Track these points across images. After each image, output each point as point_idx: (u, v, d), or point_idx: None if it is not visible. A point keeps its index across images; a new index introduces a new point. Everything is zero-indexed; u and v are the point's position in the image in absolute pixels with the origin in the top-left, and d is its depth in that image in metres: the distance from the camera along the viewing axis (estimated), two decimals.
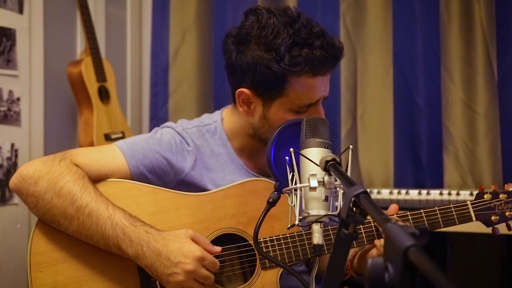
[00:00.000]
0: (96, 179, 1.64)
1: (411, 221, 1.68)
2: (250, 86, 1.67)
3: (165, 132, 1.77)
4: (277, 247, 1.63)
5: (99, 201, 1.56)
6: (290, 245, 1.64)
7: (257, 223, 1.44)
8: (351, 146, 1.31)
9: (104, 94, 2.99)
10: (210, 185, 1.74)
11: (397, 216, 1.66)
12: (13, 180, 1.60)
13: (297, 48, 1.60)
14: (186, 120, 1.85)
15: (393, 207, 1.67)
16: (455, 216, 1.68)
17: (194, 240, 1.55)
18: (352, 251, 1.74)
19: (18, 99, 2.68)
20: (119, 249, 1.54)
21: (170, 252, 1.50)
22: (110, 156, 1.68)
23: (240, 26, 1.69)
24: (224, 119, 1.83)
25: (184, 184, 1.73)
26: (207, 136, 1.79)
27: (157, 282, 1.58)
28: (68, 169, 1.58)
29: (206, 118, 1.85)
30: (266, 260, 1.63)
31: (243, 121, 1.77)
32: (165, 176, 1.72)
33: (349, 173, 1.22)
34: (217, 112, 1.87)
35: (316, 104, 1.69)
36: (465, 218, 1.69)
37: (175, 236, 1.54)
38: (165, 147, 1.72)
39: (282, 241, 1.64)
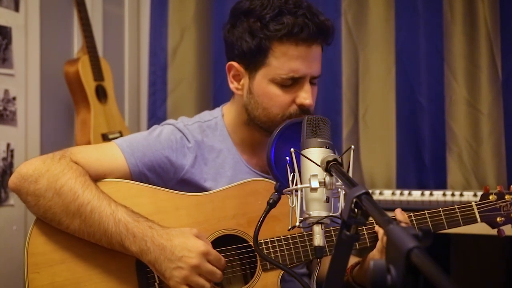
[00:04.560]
0: (95, 178, 1.63)
1: (414, 222, 1.66)
2: (238, 58, 1.73)
3: (165, 129, 1.76)
4: (278, 249, 1.63)
5: (101, 198, 1.55)
6: (291, 246, 1.63)
7: (257, 225, 1.43)
8: (352, 146, 1.29)
9: (101, 93, 2.97)
10: (210, 181, 1.73)
11: None
12: (12, 179, 1.59)
13: (281, 16, 1.65)
14: (186, 117, 1.86)
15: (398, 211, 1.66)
16: (459, 217, 1.68)
17: (198, 238, 1.54)
18: (355, 261, 1.71)
19: (14, 98, 2.66)
20: (122, 246, 1.53)
21: (174, 247, 1.49)
22: (110, 154, 1.68)
23: (235, 4, 1.76)
24: (225, 114, 1.84)
25: (185, 181, 1.73)
26: (208, 132, 1.79)
27: (156, 284, 1.56)
28: (69, 167, 1.58)
29: (207, 114, 1.86)
30: (267, 262, 1.61)
31: (239, 108, 1.78)
32: (165, 174, 1.71)
33: (350, 174, 1.20)
34: (218, 109, 1.88)
35: (302, 82, 1.69)
36: (469, 219, 1.68)
37: (180, 231, 1.53)
38: (165, 145, 1.72)
39: (283, 243, 1.63)
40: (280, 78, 1.67)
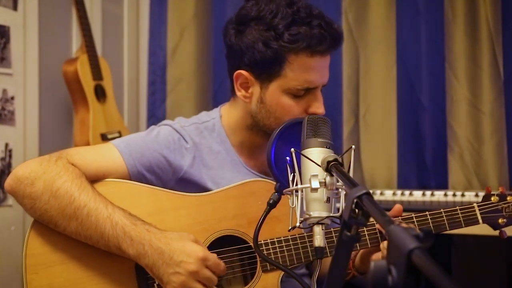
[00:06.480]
0: (93, 179, 1.61)
1: (416, 223, 1.66)
2: (248, 67, 1.68)
3: (162, 130, 1.75)
4: (278, 250, 1.62)
5: (97, 201, 1.53)
6: (292, 247, 1.62)
7: (257, 225, 1.42)
8: (353, 146, 1.28)
9: (100, 93, 2.96)
10: (209, 183, 1.72)
11: (401, 218, 1.63)
12: (8, 182, 1.58)
13: (296, 26, 1.61)
14: (183, 118, 1.84)
15: (397, 208, 1.64)
16: (461, 219, 1.67)
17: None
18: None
19: (12, 98, 2.65)
20: (119, 249, 1.51)
21: (173, 251, 1.48)
22: (108, 155, 1.66)
23: (240, 9, 1.71)
24: (223, 115, 1.81)
25: (183, 182, 1.71)
26: (206, 134, 1.77)
27: (155, 285, 1.55)
28: (65, 169, 1.56)
29: (204, 115, 1.84)
30: (267, 263, 1.60)
31: (242, 112, 1.75)
32: (164, 175, 1.70)
33: (351, 174, 1.19)
34: (215, 109, 1.85)
35: (315, 91, 1.68)
36: (471, 221, 1.68)
37: (178, 235, 1.52)
38: (163, 145, 1.70)
39: (284, 243, 1.62)
40: (295, 89, 1.65)
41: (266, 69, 1.65)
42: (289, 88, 1.65)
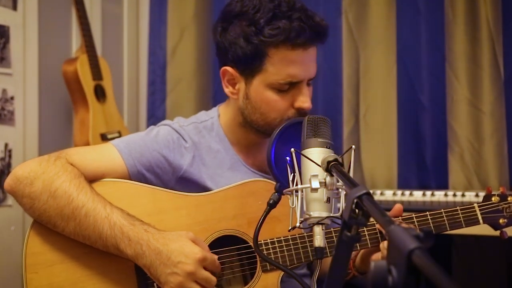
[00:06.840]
0: (92, 179, 1.61)
1: (416, 223, 1.66)
2: (233, 63, 1.70)
3: (161, 129, 1.75)
4: (278, 249, 1.62)
5: (96, 201, 1.53)
6: (292, 247, 1.62)
7: (257, 225, 1.42)
8: (353, 146, 1.28)
9: (100, 93, 2.96)
10: (209, 181, 1.72)
11: (401, 219, 1.63)
12: (8, 181, 1.58)
13: (276, 20, 1.63)
14: (182, 117, 1.84)
15: (397, 208, 1.64)
16: (461, 219, 1.67)
17: (195, 243, 1.52)
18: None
19: (12, 98, 2.65)
20: (117, 249, 1.51)
21: (170, 252, 1.48)
22: (107, 155, 1.66)
23: (225, 6, 1.73)
24: (221, 114, 1.82)
25: (183, 181, 1.71)
26: (204, 133, 1.78)
27: (155, 284, 1.55)
28: (64, 169, 1.56)
29: (203, 114, 1.84)
30: (267, 263, 1.60)
31: (234, 110, 1.77)
32: (163, 175, 1.70)
33: (351, 174, 1.19)
34: (214, 109, 1.86)
35: (300, 85, 1.68)
36: (472, 221, 1.68)
37: (176, 235, 1.52)
38: (162, 145, 1.70)
39: (284, 243, 1.62)
40: (277, 83, 1.66)
41: (249, 64, 1.66)
42: (272, 82, 1.66)
